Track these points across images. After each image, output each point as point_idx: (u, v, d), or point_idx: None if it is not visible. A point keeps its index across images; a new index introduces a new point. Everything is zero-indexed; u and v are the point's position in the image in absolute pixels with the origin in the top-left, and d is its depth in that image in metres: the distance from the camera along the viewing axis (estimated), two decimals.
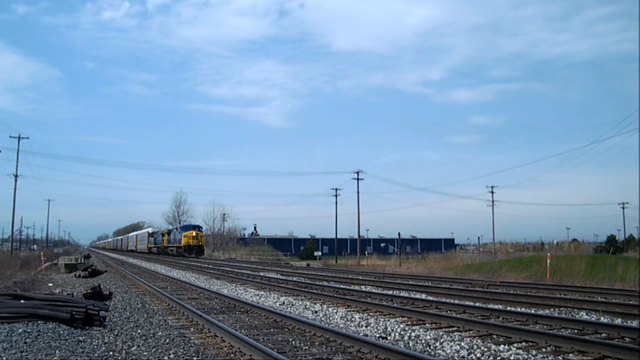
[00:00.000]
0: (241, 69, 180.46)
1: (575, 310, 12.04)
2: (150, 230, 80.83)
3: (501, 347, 8.05)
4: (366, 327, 10.40)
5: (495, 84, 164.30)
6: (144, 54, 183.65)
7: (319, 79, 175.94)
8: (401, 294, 15.92)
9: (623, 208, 78.47)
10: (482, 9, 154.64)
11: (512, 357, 7.54)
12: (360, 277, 24.78)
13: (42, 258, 36.14)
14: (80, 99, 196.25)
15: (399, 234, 57.58)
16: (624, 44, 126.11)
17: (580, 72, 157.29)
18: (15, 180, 55.32)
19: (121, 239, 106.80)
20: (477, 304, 13.24)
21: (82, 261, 33.70)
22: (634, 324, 10.38)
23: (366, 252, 69.71)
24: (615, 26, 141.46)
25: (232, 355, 7.90)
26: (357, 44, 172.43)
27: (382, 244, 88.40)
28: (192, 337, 9.30)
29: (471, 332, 9.66)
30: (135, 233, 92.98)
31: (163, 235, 69.33)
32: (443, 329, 10.00)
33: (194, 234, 59.44)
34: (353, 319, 11.27)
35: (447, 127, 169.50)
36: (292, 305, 13.94)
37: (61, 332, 9.35)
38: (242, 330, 9.65)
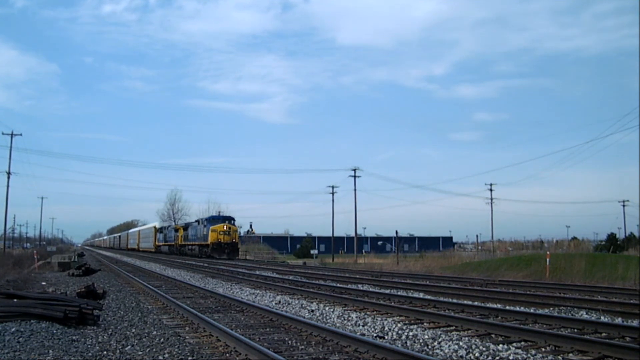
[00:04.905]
0: (242, 64, 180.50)
1: (575, 309, 11.95)
2: (157, 224, 73.21)
3: (500, 347, 7.95)
4: (363, 326, 10.30)
5: (500, 79, 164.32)
6: (144, 48, 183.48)
7: (321, 74, 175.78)
8: (399, 293, 15.82)
9: (623, 206, 78.10)
10: (488, 3, 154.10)
11: (511, 357, 7.44)
12: (357, 276, 24.68)
13: (35, 256, 35.91)
14: (78, 95, 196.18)
15: (397, 232, 57.63)
16: (631, 39, 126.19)
17: (587, 68, 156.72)
18: (8, 178, 55.01)
19: (119, 237, 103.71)
20: (476, 303, 13.14)
21: (76, 260, 33.47)
22: (635, 323, 10.30)
23: (363, 251, 69.70)
24: (624, 21, 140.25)
25: (227, 354, 7.80)
26: (361, 38, 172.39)
27: (380, 242, 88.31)
28: (187, 337, 9.19)
29: (470, 331, 9.56)
30: (137, 229, 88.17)
31: (177, 230, 58.82)
32: (441, 329, 9.90)
33: (224, 227, 47.14)
34: (350, 318, 11.16)
35: (450, 124, 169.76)
36: (289, 304, 13.83)
37: (54, 331, 9.26)
38: (238, 330, 9.54)
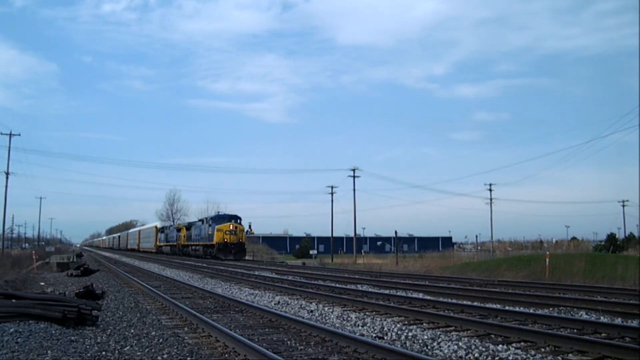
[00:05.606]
0: (242, 63, 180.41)
1: (575, 309, 11.94)
2: (158, 224, 72.09)
3: (499, 347, 7.93)
4: (362, 326, 10.28)
5: (500, 79, 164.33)
6: (143, 48, 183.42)
7: (321, 74, 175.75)
8: (398, 293, 15.80)
9: (623, 206, 78.00)
10: (488, 3, 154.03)
11: (510, 357, 7.42)
12: (357, 276, 24.67)
13: (33, 257, 35.81)
14: (77, 94, 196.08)
15: (396, 233, 57.62)
16: (632, 38, 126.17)
17: (587, 68, 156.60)
18: (7, 178, 54.99)
19: (119, 237, 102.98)
20: (475, 304, 13.12)
21: (74, 260, 33.45)
22: (634, 323, 10.29)
23: (362, 251, 69.75)
24: (624, 20, 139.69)
25: (226, 355, 7.77)
26: (362, 38, 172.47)
27: (379, 243, 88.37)
28: (186, 337, 9.16)
29: (469, 331, 9.55)
30: (137, 229, 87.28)
31: (179, 230, 57.31)
32: (440, 329, 9.89)
33: (231, 227, 45.16)
34: (349, 319, 11.14)
35: (450, 124, 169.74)
36: (288, 304, 13.81)
37: (53, 331, 9.24)
38: (237, 330, 9.51)
